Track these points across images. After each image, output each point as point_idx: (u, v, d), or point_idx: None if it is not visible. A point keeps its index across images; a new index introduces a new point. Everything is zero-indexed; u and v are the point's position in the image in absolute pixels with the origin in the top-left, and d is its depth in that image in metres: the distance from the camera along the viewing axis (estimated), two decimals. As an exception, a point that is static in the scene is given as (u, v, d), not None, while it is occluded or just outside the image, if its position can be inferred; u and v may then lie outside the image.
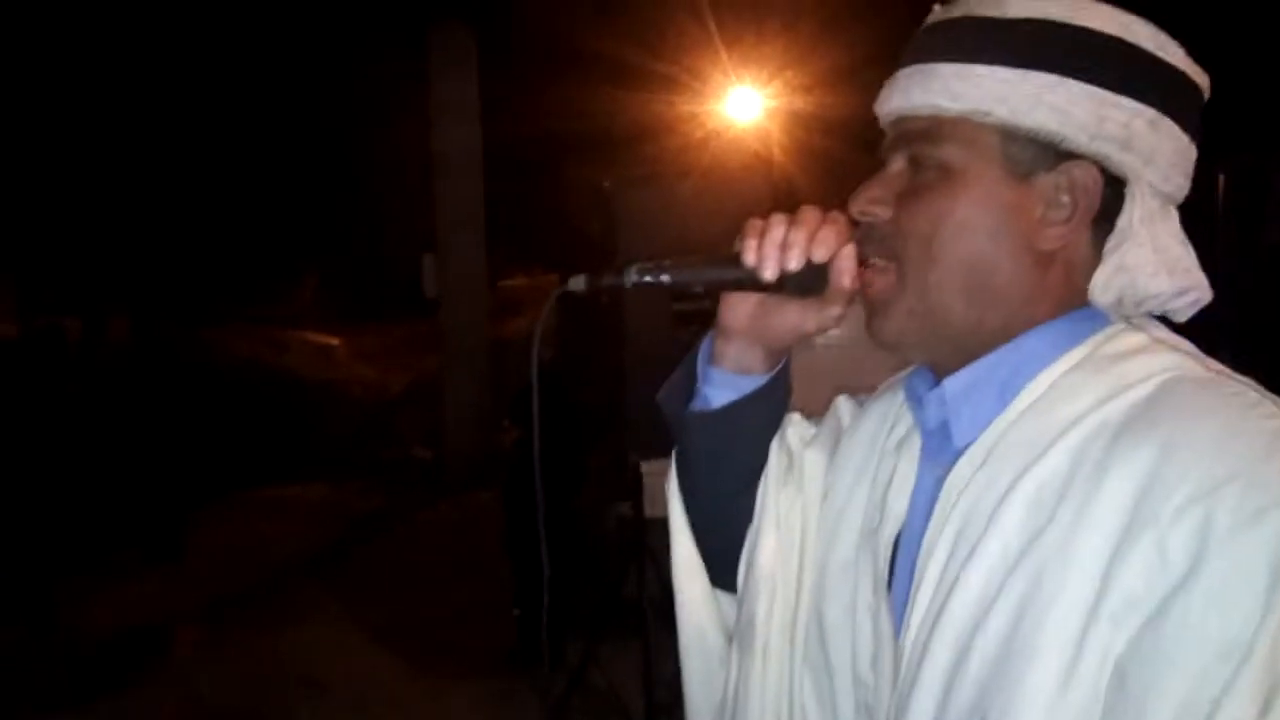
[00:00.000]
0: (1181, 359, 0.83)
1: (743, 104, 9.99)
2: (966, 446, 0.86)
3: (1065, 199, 0.84)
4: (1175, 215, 0.88)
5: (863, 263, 0.92)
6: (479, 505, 6.69)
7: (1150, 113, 0.84)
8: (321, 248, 9.93)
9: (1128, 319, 0.87)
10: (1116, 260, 0.84)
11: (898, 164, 0.90)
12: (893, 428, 0.99)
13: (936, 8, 0.92)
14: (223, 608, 5.53)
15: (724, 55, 9.71)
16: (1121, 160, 0.84)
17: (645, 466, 3.49)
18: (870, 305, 0.91)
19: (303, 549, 6.62)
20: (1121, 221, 0.85)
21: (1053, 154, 0.84)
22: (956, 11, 0.89)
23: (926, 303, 0.87)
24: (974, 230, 0.85)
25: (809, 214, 0.94)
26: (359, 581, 6.00)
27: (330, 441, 8.61)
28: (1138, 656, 0.72)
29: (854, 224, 0.92)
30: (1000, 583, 0.79)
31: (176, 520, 6.61)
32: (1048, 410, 0.83)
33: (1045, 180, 0.84)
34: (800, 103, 10.06)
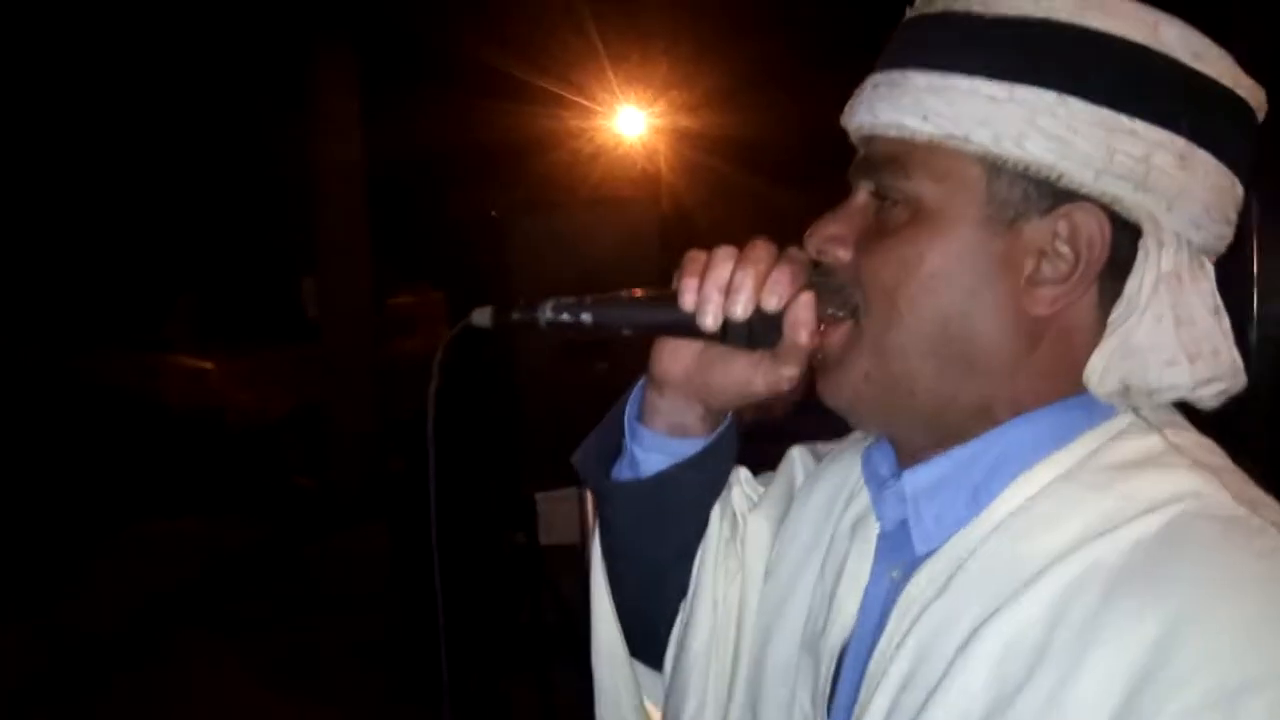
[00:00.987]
0: (1203, 481, 0.64)
1: (629, 121, 10.06)
2: (928, 553, 0.71)
3: (1064, 250, 0.67)
4: (1210, 273, 0.70)
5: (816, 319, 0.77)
6: (366, 537, 6.48)
7: (1179, 142, 0.66)
8: (195, 270, 9.52)
9: (1136, 409, 0.70)
10: (1122, 338, 0.67)
11: (862, 195, 0.75)
12: (849, 502, 0.84)
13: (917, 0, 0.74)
14: (90, 660, 5.19)
15: (610, 74, 9.77)
16: (1137, 203, 0.66)
17: (540, 495, 3.47)
18: (823, 363, 0.77)
19: (176, 589, 6.28)
20: (1131, 285, 0.67)
21: (1049, 193, 0.67)
22: (939, 5, 0.71)
23: (887, 369, 0.72)
24: (948, 285, 0.69)
25: (760, 250, 0.78)
26: (238, 621, 5.73)
27: (203, 472, 8.23)
28: None
29: (814, 264, 0.78)
30: None
31: (37, 565, 6.20)
32: (1026, 532, 0.66)
33: (1039, 226, 0.68)
34: (686, 121, 10.19)
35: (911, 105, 0.69)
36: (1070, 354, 0.69)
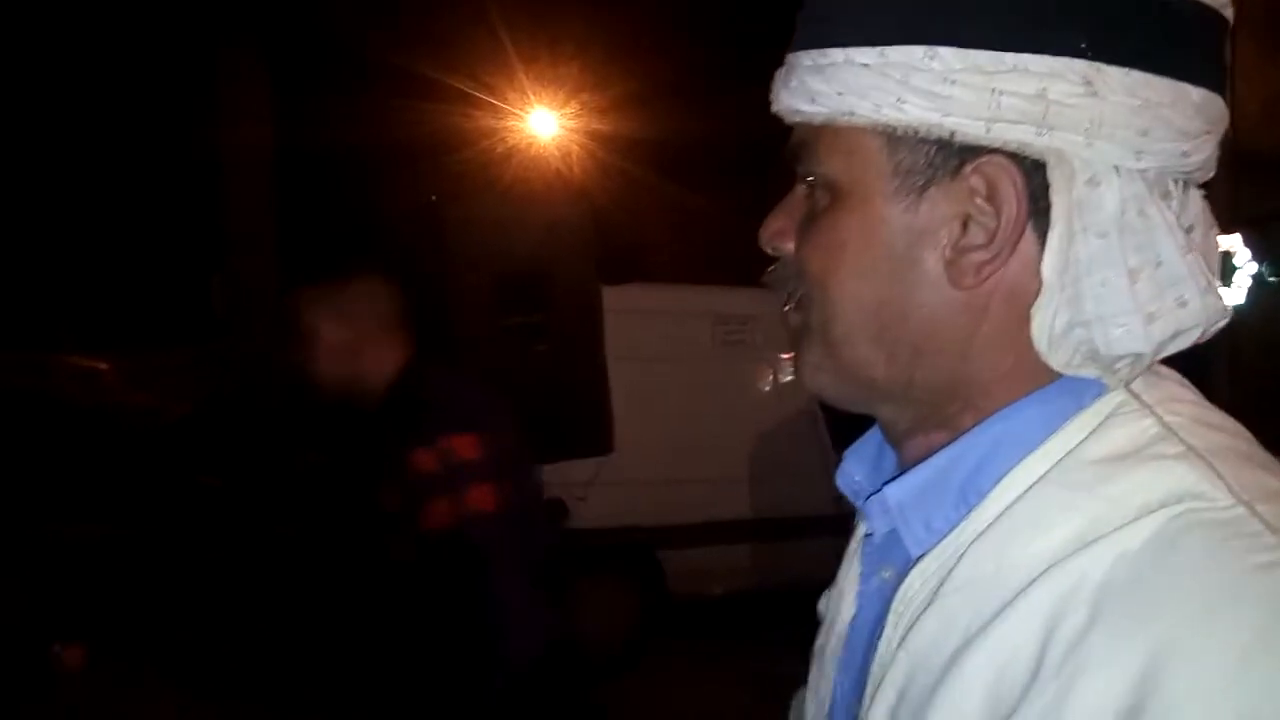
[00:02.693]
0: (1197, 476, 0.58)
1: (542, 123, 10.10)
2: (921, 556, 0.67)
3: (987, 209, 0.61)
4: (1185, 200, 0.63)
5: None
6: (275, 537, 6.32)
7: (1078, 66, 0.59)
8: (93, 268, 9.14)
9: (1127, 384, 0.63)
10: (1056, 303, 0.61)
11: (799, 182, 0.71)
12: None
13: None
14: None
15: (522, 76, 9.80)
16: (1047, 145, 0.60)
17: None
18: (791, 343, 0.73)
19: (73, 598, 6.02)
20: (1049, 241, 0.60)
21: (952, 152, 0.62)
22: None
23: (837, 359, 0.68)
24: (872, 267, 0.65)
25: None
26: (144, 633, 5.53)
27: (99, 474, 7.91)
28: None
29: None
30: None
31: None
32: (1011, 538, 0.61)
33: (951, 190, 0.62)
34: (598, 124, 10.28)
35: (799, 88, 0.66)
36: (1026, 323, 0.62)
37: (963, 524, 0.64)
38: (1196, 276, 0.60)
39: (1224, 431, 0.62)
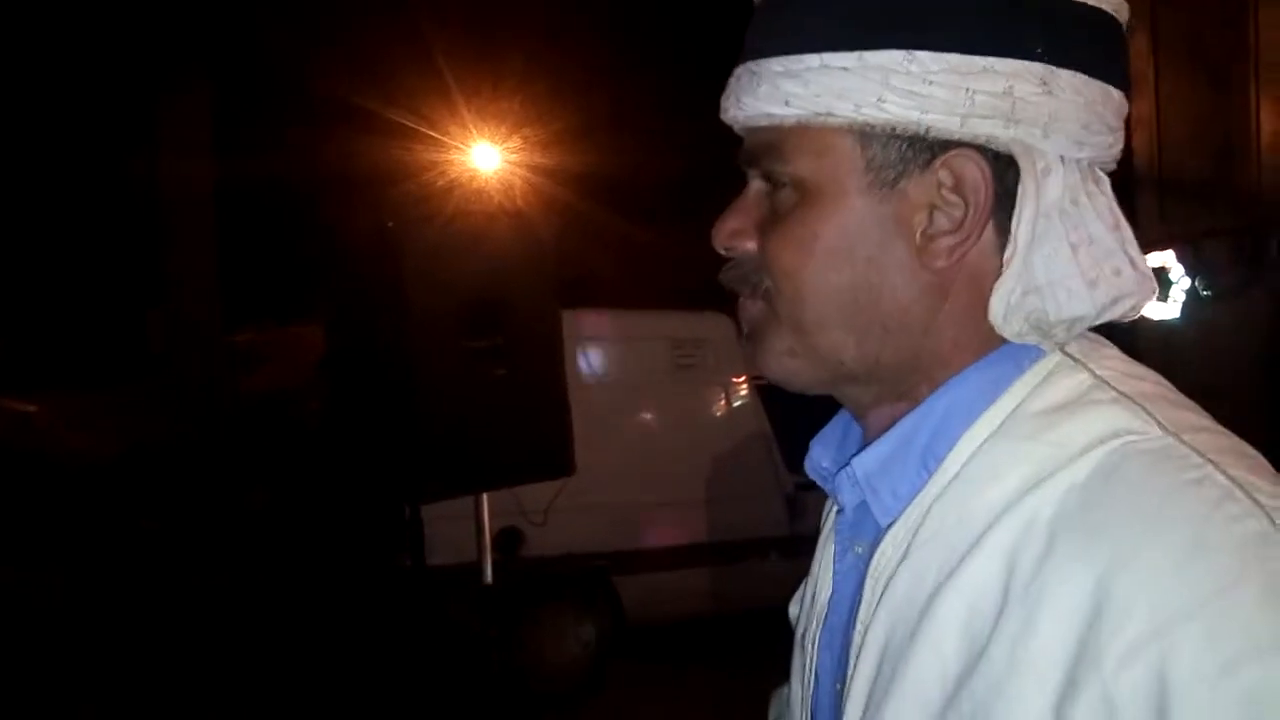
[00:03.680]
0: (1129, 415, 0.65)
1: (484, 156, 10.14)
2: (890, 524, 0.72)
3: (953, 199, 0.68)
4: (1107, 186, 0.71)
5: (734, 295, 0.78)
6: (219, 578, 6.14)
7: (1036, 68, 0.67)
8: (20, 305, 8.86)
9: (1062, 347, 0.71)
10: (1016, 276, 0.68)
11: (755, 184, 0.75)
12: (830, 511, 0.85)
13: None
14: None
15: (464, 109, 9.84)
16: (1011, 137, 0.67)
17: (428, 512, 3.37)
18: (748, 336, 0.77)
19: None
20: (1015, 222, 0.68)
21: (924, 147, 0.68)
22: None
23: (808, 343, 0.73)
24: (848, 258, 0.70)
25: None
26: (85, 682, 5.32)
27: (28, 520, 7.62)
28: None
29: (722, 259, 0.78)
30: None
31: None
32: (970, 490, 0.68)
33: (922, 181, 0.69)
34: (540, 158, 10.35)
35: (770, 92, 0.70)
36: (982, 299, 0.69)
37: (926, 488, 0.70)
38: (1125, 250, 0.70)
39: (1149, 381, 0.70)
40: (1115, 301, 0.69)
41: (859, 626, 0.73)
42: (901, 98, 0.66)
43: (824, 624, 0.79)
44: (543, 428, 3.08)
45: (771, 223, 0.73)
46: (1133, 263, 0.70)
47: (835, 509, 0.81)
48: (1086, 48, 0.69)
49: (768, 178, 0.73)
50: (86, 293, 9.15)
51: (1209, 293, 3.94)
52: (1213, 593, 0.56)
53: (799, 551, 0.95)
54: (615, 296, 8.31)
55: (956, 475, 0.69)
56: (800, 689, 0.82)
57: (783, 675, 0.90)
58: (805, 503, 5.17)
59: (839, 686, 0.75)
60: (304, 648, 4.44)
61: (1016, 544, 0.64)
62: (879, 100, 0.67)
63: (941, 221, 0.69)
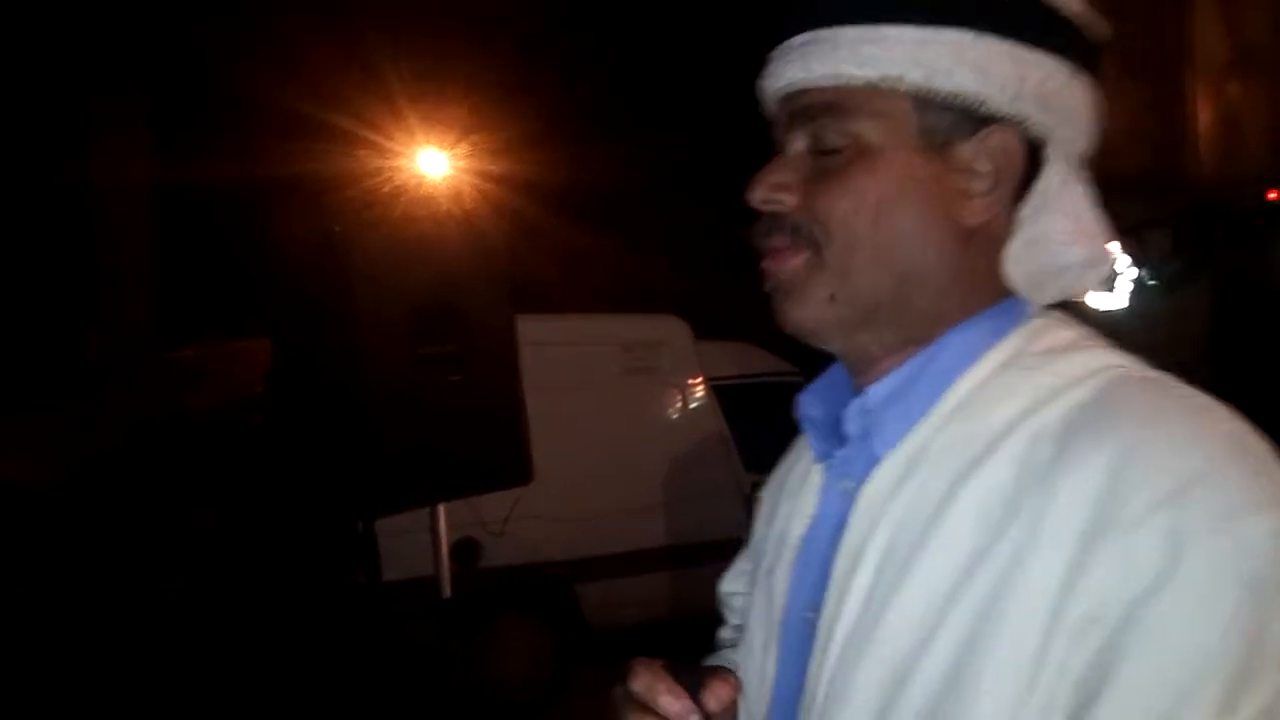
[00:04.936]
0: (1120, 357, 0.78)
1: (432, 162, 10.05)
2: (885, 456, 0.80)
3: (987, 166, 0.79)
4: (1084, 175, 0.84)
5: (762, 253, 0.84)
6: (168, 602, 5.97)
7: (1065, 68, 0.79)
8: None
9: (1048, 311, 0.83)
10: (1031, 229, 0.80)
11: (798, 144, 0.83)
12: (793, 468, 0.94)
13: None
14: None
15: (409, 116, 9.74)
16: (1042, 121, 0.79)
17: (381, 525, 3.28)
18: (780, 289, 0.83)
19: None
20: (1040, 186, 0.80)
21: (971, 119, 0.78)
22: None
23: (851, 287, 0.80)
24: (898, 209, 0.79)
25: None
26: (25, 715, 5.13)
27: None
28: (1099, 669, 0.66)
29: (756, 212, 0.84)
30: (944, 604, 0.72)
31: None
32: (979, 414, 0.77)
33: (964, 148, 0.79)
34: (489, 164, 10.28)
35: (848, 56, 0.79)
36: (994, 256, 0.81)
37: (928, 416, 0.79)
38: (1098, 225, 0.82)
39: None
40: (1093, 263, 0.82)
41: (845, 550, 0.79)
42: (971, 71, 0.77)
43: (799, 555, 0.86)
44: (499, 435, 3.01)
45: (825, 177, 0.80)
46: (1103, 236, 0.82)
47: (808, 459, 0.90)
48: (1091, 62, 0.82)
49: (818, 137, 0.81)
50: (20, 308, 8.87)
51: (1155, 281, 4.01)
52: (1211, 468, 0.68)
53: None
54: (564, 302, 8.27)
55: (962, 402, 0.78)
56: (765, 619, 0.88)
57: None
58: (764, 503, 5.16)
59: (810, 614, 0.82)
60: (259, 670, 4.32)
61: (1027, 451, 0.73)
62: (949, 71, 0.77)
63: (978, 185, 0.79)
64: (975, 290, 0.81)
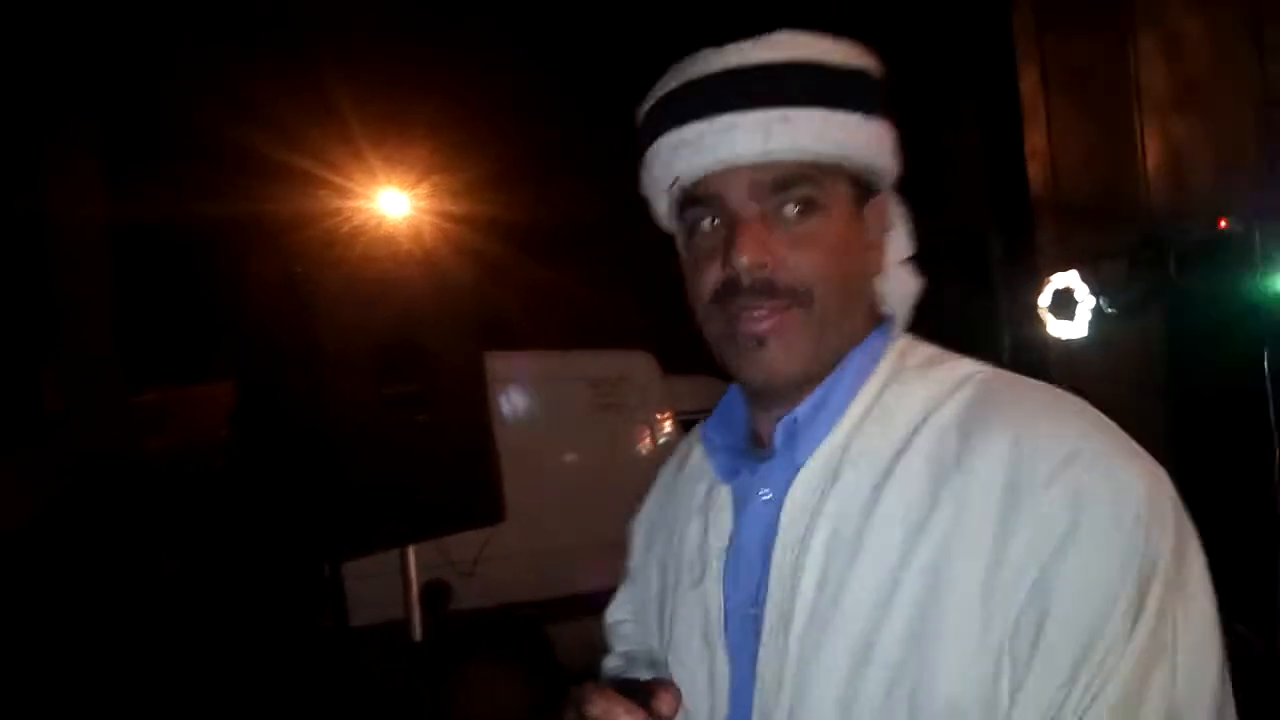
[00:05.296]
0: (978, 364, 0.99)
1: (392, 203, 10.02)
2: (805, 463, 0.96)
3: (878, 221, 1.03)
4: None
5: (736, 312, 0.97)
6: (133, 650, 5.81)
7: (887, 127, 1.01)
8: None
9: (907, 335, 1.04)
10: (894, 259, 1.04)
11: (751, 212, 0.96)
12: (695, 487, 1.10)
13: (708, 54, 0.97)
14: None
15: (369, 156, 9.72)
16: (884, 171, 1.02)
17: (349, 569, 3.22)
18: (773, 345, 0.96)
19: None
20: (891, 226, 1.04)
21: (866, 185, 1.00)
22: (761, 56, 0.95)
23: (836, 331, 0.98)
24: (848, 258, 0.98)
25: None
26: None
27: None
28: (1034, 612, 0.81)
29: (736, 284, 0.96)
30: (896, 573, 0.86)
31: None
32: (884, 419, 0.95)
33: (868, 208, 1.01)
34: (450, 204, 10.27)
35: (823, 133, 0.95)
36: (872, 288, 1.03)
37: (838, 427, 0.95)
38: (903, 250, 1.06)
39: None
40: (914, 284, 1.05)
41: (782, 547, 0.92)
42: (888, 150, 1.00)
43: (728, 564, 0.98)
44: (469, 474, 2.99)
45: (793, 241, 0.96)
46: (909, 257, 1.06)
47: (706, 482, 1.05)
48: (888, 104, 1.03)
49: (792, 203, 0.96)
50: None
51: (1113, 310, 4.11)
52: (1088, 434, 0.86)
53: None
54: (532, 339, 8.26)
55: (868, 410, 0.95)
56: (702, 626, 0.99)
57: None
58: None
59: (753, 609, 0.94)
60: (226, 718, 4.22)
61: (936, 442, 0.90)
62: (873, 150, 0.99)
63: (875, 234, 1.02)
64: (869, 320, 1.02)
